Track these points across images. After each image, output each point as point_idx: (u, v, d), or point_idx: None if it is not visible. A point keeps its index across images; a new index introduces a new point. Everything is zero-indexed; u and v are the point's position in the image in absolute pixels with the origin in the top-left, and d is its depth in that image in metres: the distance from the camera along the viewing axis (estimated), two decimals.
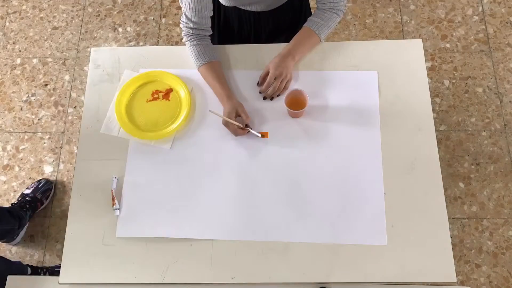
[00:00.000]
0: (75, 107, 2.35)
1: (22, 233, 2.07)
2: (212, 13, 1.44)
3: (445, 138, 2.21)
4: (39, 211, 2.13)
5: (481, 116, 2.25)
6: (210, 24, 1.44)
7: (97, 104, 1.47)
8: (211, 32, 1.47)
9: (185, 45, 1.45)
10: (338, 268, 1.25)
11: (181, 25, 1.44)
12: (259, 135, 1.37)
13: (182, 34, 1.44)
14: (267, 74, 1.43)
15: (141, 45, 2.46)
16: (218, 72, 1.41)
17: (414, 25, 2.45)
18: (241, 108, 1.36)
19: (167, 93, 1.47)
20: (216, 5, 1.62)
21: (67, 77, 2.41)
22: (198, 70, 1.43)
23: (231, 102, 1.37)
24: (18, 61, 2.46)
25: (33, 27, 2.54)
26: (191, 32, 1.42)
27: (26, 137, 2.30)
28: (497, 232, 2.04)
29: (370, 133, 1.38)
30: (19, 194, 2.15)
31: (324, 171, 1.35)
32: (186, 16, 1.40)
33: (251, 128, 1.37)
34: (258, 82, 1.45)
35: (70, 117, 2.33)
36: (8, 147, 2.28)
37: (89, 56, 1.56)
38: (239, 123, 1.35)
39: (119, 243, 1.30)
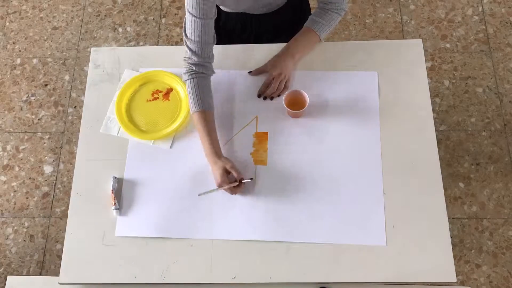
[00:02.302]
0: (75, 107, 2.35)
1: None
2: (215, 43, 1.39)
3: (445, 138, 2.21)
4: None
5: (481, 116, 2.25)
6: (213, 60, 1.39)
7: (97, 104, 1.47)
8: (214, 73, 1.41)
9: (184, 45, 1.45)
10: (338, 268, 1.25)
11: (183, 62, 1.37)
12: (249, 180, 1.31)
13: (183, 72, 1.38)
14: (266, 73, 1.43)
15: (141, 45, 2.46)
16: (209, 124, 1.33)
17: (414, 25, 2.45)
18: (230, 165, 1.29)
19: (167, 93, 1.47)
20: (217, 6, 1.62)
21: (67, 77, 2.41)
22: (191, 114, 1.37)
23: (220, 162, 1.29)
24: (18, 61, 2.46)
25: (33, 27, 2.54)
26: (193, 68, 1.35)
27: (26, 137, 2.30)
28: (497, 232, 2.04)
29: (370, 133, 1.38)
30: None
31: (324, 171, 1.35)
32: (190, 50, 1.35)
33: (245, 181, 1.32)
34: (260, 90, 1.44)
35: (70, 117, 2.33)
36: (8, 147, 2.28)
37: (89, 56, 1.56)
38: (231, 179, 1.30)
39: (119, 243, 1.30)
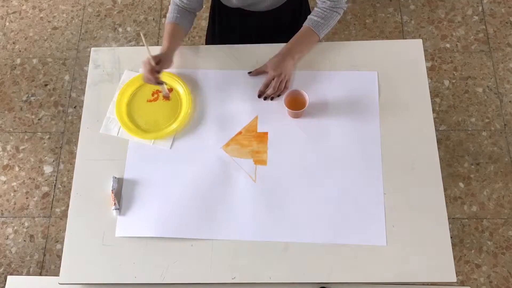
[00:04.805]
0: (75, 107, 2.35)
1: None
2: (202, 8, 1.48)
3: (445, 138, 2.21)
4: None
5: (481, 116, 2.25)
6: (198, 7, 1.48)
7: (97, 104, 1.47)
8: (195, 15, 1.50)
9: (186, 45, 1.46)
10: (338, 268, 1.25)
11: (171, 1, 1.46)
12: (168, 93, 1.40)
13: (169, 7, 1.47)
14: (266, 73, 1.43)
15: (141, 45, 2.46)
16: (174, 33, 1.42)
17: (414, 25, 2.45)
18: (165, 59, 1.35)
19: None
20: (218, 6, 1.62)
21: (67, 77, 2.41)
22: (165, 24, 1.46)
23: (163, 51, 1.37)
24: (18, 61, 2.46)
25: (33, 27, 2.54)
26: (177, 2, 1.45)
27: (26, 137, 2.30)
28: (497, 232, 2.04)
29: (370, 133, 1.38)
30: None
31: (324, 171, 1.35)
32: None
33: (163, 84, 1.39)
34: (260, 91, 1.45)
35: (70, 117, 2.33)
36: (8, 147, 2.28)
37: (89, 56, 1.56)
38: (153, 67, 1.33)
39: (119, 243, 1.30)
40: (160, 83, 1.36)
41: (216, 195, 1.33)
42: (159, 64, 1.34)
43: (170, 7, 1.46)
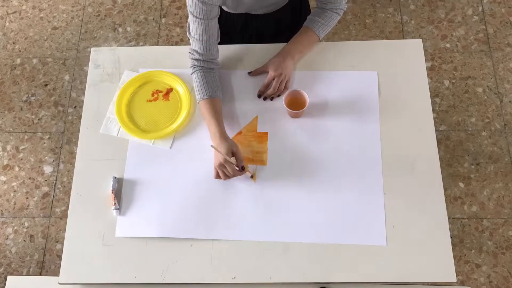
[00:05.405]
0: (75, 107, 2.35)
1: None
2: (219, 40, 1.41)
3: (445, 138, 2.21)
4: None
5: (481, 116, 2.25)
6: (217, 56, 1.41)
7: (97, 104, 1.48)
8: (219, 65, 1.43)
9: (186, 45, 1.45)
10: (338, 268, 1.25)
11: (188, 55, 1.40)
12: (250, 175, 1.33)
13: (189, 65, 1.41)
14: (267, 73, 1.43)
15: (141, 45, 2.46)
16: (216, 109, 1.35)
17: (414, 25, 2.45)
18: (237, 149, 1.29)
19: (167, 93, 1.48)
20: (219, 12, 1.62)
21: (67, 77, 2.41)
22: (198, 103, 1.39)
23: (227, 142, 1.29)
24: (18, 61, 2.46)
25: (33, 27, 2.54)
26: (196, 63, 1.39)
27: (26, 137, 2.30)
28: (497, 232, 2.04)
29: (370, 133, 1.38)
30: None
31: (324, 171, 1.35)
32: (193, 48, 1.38)
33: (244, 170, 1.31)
34: (260, 91, 1.45)
35: (70, 117, 2.33)
36: (8, 147, 2.28)
37: (89, 56, 1.57)
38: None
39: (119, 243, 1.30)
40: (243, 168, 1.29)
41: (216, 195, 1.33)
42: (233, 156, 1.28)
43: (194, 79, 1.38)
